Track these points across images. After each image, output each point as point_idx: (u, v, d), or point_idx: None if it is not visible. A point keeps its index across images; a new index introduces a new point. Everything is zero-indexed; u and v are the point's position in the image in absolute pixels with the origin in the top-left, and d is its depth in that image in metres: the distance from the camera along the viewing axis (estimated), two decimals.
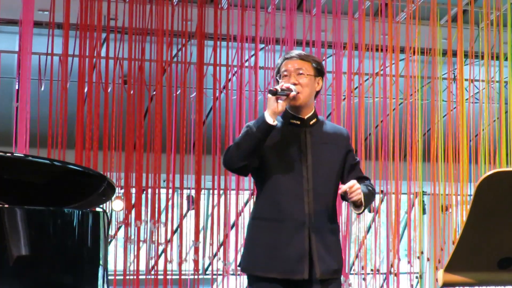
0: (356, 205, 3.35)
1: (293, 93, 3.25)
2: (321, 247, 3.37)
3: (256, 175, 3.44)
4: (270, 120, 3.20)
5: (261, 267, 3.37)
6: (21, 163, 3.29)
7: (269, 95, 3.24)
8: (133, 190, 8.47)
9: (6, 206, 2.79)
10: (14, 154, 3.46)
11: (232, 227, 9.40)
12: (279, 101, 3.23)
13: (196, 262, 9.41)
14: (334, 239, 3.48)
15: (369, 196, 3.44)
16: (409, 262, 9.96)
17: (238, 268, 3.64)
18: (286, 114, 3.51)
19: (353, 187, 3.28)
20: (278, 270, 3.31)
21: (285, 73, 3.44)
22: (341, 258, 3.54)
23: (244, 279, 9.76)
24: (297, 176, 3.40)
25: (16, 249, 2.77)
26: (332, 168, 3.48)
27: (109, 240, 4.05)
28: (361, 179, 3.52)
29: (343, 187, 3.31)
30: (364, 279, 10.02)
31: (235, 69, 9.14)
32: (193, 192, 9.28)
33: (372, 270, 10.31)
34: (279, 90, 3.21)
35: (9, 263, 2.75)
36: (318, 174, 3.44)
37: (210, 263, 9.64)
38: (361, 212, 3.47)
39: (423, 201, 9.83)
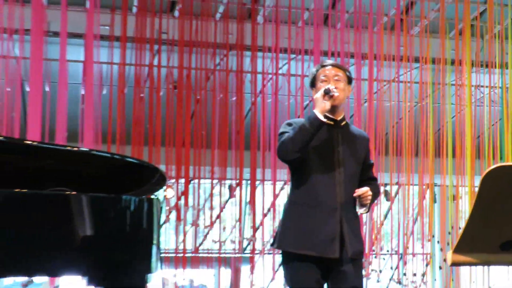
0: (362, 205, 3.39)
1: (336, 94, 3.27)
2: (350, 231, 3.38)
3: (295, 166, 3.44)
4: (321, 117, 3.22)
5: (298, 245, 3.34)
6: (87, 156, 3.29)
7: (318, 96, 3.26)
8: (182, 180, 8.50)
9: (73, 193, 2.79)
10: (81, 148, 3.45)
11: (266, 214, 9.40)
12: (325, 101, 3.25)
13: (236, 242, 9.45)
14: (358, 224, 3.50)
15: (373, 199, 3.48)
16: (422, 245, 9.93)
17: (272, 246, 3.61)
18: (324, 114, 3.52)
19: (366, 193, 3.34)
20: (315, 249, 3.28)
21: (324, 78, 3.42)
22: (363, 241, 3.55)
23: (276, 258, 9.75)
24: (330, 170, 3.38)
25: (82, 230, 2.76)
26: (357, 165, 3.46)
27: (162, 223, 4.06)
28: (372, 179, 3.58)
29: (358, 191, 3.35)
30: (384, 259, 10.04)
31: (270, 76, 9.14)
32: (233, 182, 9.32)
33: (388, 251, 10.29)
34: (332, 90, 3.24)
35: (76, 242, 2.74)
36: (347, 169, 3.42)
37: (248, 243, 9.65)
38: (363, 213, 3.51)
39: (434, 191, 9.76)
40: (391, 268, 10.22)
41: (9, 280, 7.18)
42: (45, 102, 8.06)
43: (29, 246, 2.69)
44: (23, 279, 8.31)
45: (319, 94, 3.27)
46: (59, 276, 2.86)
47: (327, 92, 3.25)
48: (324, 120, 3.25)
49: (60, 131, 7.88)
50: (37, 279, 8.49)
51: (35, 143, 3.19)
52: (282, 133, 3.44)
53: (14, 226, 2.67)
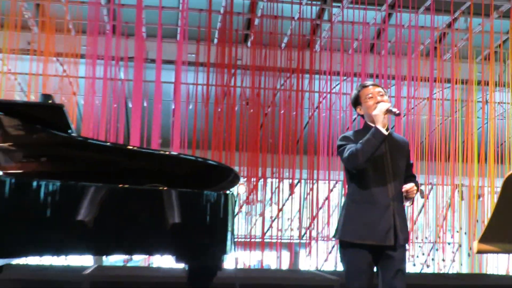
0: (407, 198, 3.36)
1: (398, 112, 3.26)
2: (401, 222, 3.36)
3: (355, 171, 3.39)
4: (385, 131, 3.19)
5: (359, 236, 3.31)
6: (176, 159, 3.35)
7: (378, 113, 3.25)
8: (252, 179, 8.54)
9: (165, 188, 2.85)
10: (171, 153, 3.52)
11: (321, 207, 9.37)
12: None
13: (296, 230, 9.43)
14: (405, 217, 3.48)
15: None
16: (452, 235, 9.77)
17: (334, 237, 3.59)
18: (369, 127, 3.49)
19: (412, 188, 3.30)
20: (374, 238, 3.25)
21: (370, 95, 3.37)
22: (408, 230, 3.54)
23: (328, 244, 9.70)
24: (382, 172, 3.34)
25: (171, 219, 2.79)
26: (402, 166, 3.41)
27: (235, 213, 4.08)
28: (413, 176, 3.51)
29: (406, 187, 3.32)
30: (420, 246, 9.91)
31: (324, 94, 9.12)
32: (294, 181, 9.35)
33: (422, 240, 10.13)
34: (396, 111, 3.24)
35: (166, 228, 2.77)
36: (395, 170, 3.38)
37: (306, 232, 9.63)
38: (408, 206, 3.47)
39: (462, 191, 9.57)
40: (423, 254, 10.10)
41: (114, 258, 7.33)
42: (143, 115, 8.22)
43: (129, 231, 2.75)
44: (125, 257, 8.49)
45: (379, 111, 3.22)
46: (152, 255, 2.91)
47: (393, 112, 3.23)
48: (386, 133, 3.24)
49: (155, 138, 8.04)
50: (135, 257, 8.65)
51: (135, 148, 3.26)
52: (342, 145, 3.43)
53: (118, 214, 2.74)
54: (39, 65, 7.96)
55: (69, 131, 2.91)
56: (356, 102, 3.54)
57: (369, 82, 3.60)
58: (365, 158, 3.23)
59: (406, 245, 3.60)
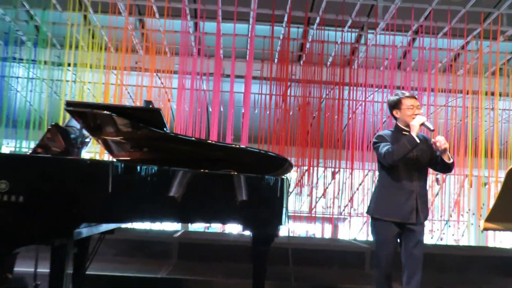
0: (443, 152, 3.21)
1: (433, 128, 3.20)
2: (422, 204, 3.30)
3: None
4: (418, 140, 3.14)
5: (387, 214, 3.30)
6: (244, 151, 3.37)
7: (415, 124, 3.21)
8: (303, 167, 8.57)
9: (235, 173, 2.87)
10: (240, 146, 3.55)
11: (355, 191, 9.29)
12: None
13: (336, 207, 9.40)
14: (426, 199, 3.40)
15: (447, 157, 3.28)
16: (462, 214, 9.50)
17: (367, 213, 3.57)
18: (401, 128, 3.46)
19: (441, 140, 3.18)
20: (399, 217, 3.23)
21: (411, 106, 3.34)
22: (428, 210, 3.46)
23: (362, 219, 9.58)
24: (409, 164, 3.30)
25: (240, 197, 2.78)
26: (426, 157, 3.35)
27: (289, 193, 4.12)
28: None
29: (436, 139, 3.22)
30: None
31: (360, 102, 9.01)
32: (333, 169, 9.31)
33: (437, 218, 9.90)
34: (430, 127, 3.18)
35: (237, 204, 2.76)
36: (420, 163, 3.33)
37: (344, 209, 9.59)
38: (451, 162, 3.30)
39: (471, 180, 9.28)
40: (437, 230, 9.88)
41: (196, 225, 7.48)
42: (220, 117, 8.33)
43: (208, 205, 2.76)
44: (205, 225, 8.65)
45: (416, 123, 3.16)
46: (225, 224, 2.94)
47: (427, 126, 3.16)
48: (418, 142, 3.20)
49: (228, 135, 8.15)
50: (213, 225, 8.79)
51: (213, 142, 3.32)
52: (377, 142, 3.39)
53: (199, 192, 2.74)
54: (143, 79, 8.19)
55: (164, 128, 2.94)
56: (395, 106, 3.44)
57: (410, 93, 3.52)
58: (398, 158, 3.18)
59: (426, 222, 3.54)
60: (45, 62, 8.17)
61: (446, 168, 3.37)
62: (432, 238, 9.51)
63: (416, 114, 3.33)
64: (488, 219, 3.13)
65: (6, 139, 8.55)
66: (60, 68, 8.35)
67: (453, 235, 9.59)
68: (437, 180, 9.55)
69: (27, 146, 8.73)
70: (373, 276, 3.52)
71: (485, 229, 3.19)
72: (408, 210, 3.29)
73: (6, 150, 8.90)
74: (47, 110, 8.18)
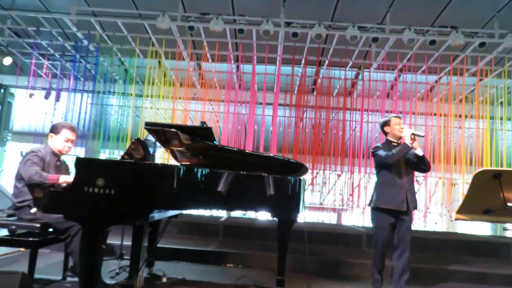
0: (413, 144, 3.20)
1: (422, 134, 3.21)
2: (411, 196, 3.27)
3: (383, 165, 3.31)
4: (410, 146, 3.16)
5: (385, 202, 3.27)
6: (271, 158, 3.37)
7: (406, 135, 3.22)
8: (315, 171, 8.46)
9: (265, 174, 2.86)
10: (269, 154, 3.54)
11: (355, 188, 9.09)
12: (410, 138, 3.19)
13: (340, 200, 9.21)
14: (414, 192, 3.35)
15: (422, 157, 3.25)
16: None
17: (369, 205, 3.52)
18: (390, 141, 3.41)
19: (407, 130, 3.22)
20: (394, 205, 3.22)
21: (398, 122, 3.40)
22: (416, 202, 3.38)
23: (359, 210, 9.36)
24: (399, 166, 3.29)
25: (268, 192, 2.75)
26: (412, 159, 3.31)
27: (305, 190, 4.08)
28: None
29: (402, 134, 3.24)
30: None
31: (359, 122, 8.88)
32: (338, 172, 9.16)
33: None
34: (421, 134, 3.20)
35: (266, 197, 2.75)
36: (407, 163, 3.31)
37: (346, 202, 9.41)
38: (422, 155, 3.26)
39: (444, 181, 8.92)
40: (419, 218, 9.55)
41: (236, 212, 7.47)
42: (254, 133, 8.34)
43: (245, 198, 2.76)
44: (242, 212, 8.64)
45: (407, 134, 3.19)
46: (258, 211, 2.94)
47: (418, 135, 3.18)
48: (411, 147, 3.20)
49: (261, 146, 8.14)
50: (248, 212, 8.76)
51: (249, 151, 3.33)
52: (376, 150, 3.37)
53: (239, 188, 2.73)
54: (199, 106, 8.32)
55: (214, 141, 2.99)
56: (386, 124, 3.46)
57: (395, 115, 3.51)
58: (396, 159, 3.21)
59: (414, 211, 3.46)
60: (131, 94, 8.40)
61: (422, 163, 3.29)
62: (413, 225, 9.19)
63: (402, 128, 3.33)
64: (458, 211, 3.05)
65: (103, 148, 8.81)
66: (141, 99, 8.57)
67: (436, 224, 9.27)
68: (417, 181, 9.26)
69: (117, 154, 8.95)
70: (370, 253, 3.44)
71: (456, 219, 3.09)
72: (400, 200, 3.25)
73: (102, 156, 9.15)
74: (131, 128, 8.39)
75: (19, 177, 2.98)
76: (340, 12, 6.78)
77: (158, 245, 3.75)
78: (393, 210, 3.29)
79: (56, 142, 3.16)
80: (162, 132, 2.96)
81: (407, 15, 6.69)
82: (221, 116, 8.68)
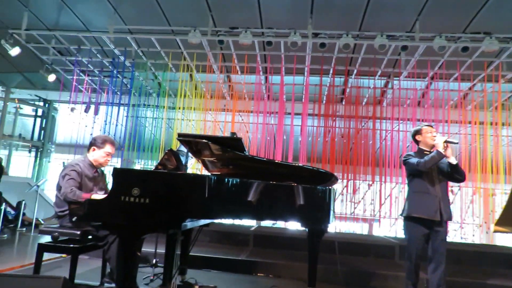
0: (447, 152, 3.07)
1: (456, 141, 3.08)
2: (444, 205, 3.14)
3: (416, 172, 3.22)
4: (444, 153, 3.04)
5: (417, 211, 3.14)
6: (301, 168, 3.34)
7: (438, 143, 3.08)
8: (345, 181, 8.31)
9: (295, 184, 2.84)
10: (298, 164, 3.51)
11: (386, 198, 8.83)
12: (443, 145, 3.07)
13: (370, 210, 8.96)
14: (448, 202, 3.21)
15: (456, 165, 3.10)
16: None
17: (401, 215, 3.42)
18: (423, 150, 3.31)
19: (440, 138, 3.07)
20: (426, 214, 3.10)
21: (429, 131, 3.28)
22: (451, 212, 3.24)
23: (391, 221, 9.07)
24: (433, 174, 3.18)
25: (298, 201, 2.72)
26: (445, 168, 3.19)
27: (335, 199, 3.97)
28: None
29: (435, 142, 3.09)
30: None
31: (389, 131, 8.68)
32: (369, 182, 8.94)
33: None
34: (454, 141, 3.08)
35: (296, 206, 2.73)
36: (440, 172, 3.19)
37: (377, 212, 9.15)
38: (456, 164, 3.11)
39: (481, 191, 8.51)
40: (455, 230, 9.15)
41: (265, 222, 7.44)
42: (283, 143, 8.33)
43: (275, 207, 2.72)
44: (272, 222, 8.59)
45: (440, 142, 3.07)
46: (287, 221, 2.91)
47: (451, 142, 3.07)
48: (445, 154, 3.08)
49: (290, 156, 8.10)
50: (278, 222, 8.70)
51: (279, 161, 3.31)
52: (407, 158, 3.26)
53: (269, 198, 2.70)
54: (229, 117, 8.42)
55: (244, 152, 3.00)
56: (417, 133, 3.36)
57: (426, 123, 3.42)
58: (428, 166, 3.09)
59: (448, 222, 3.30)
60: (164, 107, 8.63)
61: (456, 172, 3.16)
62: (448, 237, 8.80)
63: (434, 136, 3.23)
64: (497, 223, 2.91)
65: (138, 159, 9.07)
66: (173, 111, 8.78)
67: (473, 235, 8.83)
68: (451, 191, 8.89)
69: (151, 164, 9.18)
70: (404, 266, 3.31)
71: (495, 231, 2.96)
72: (433, 210, 3.12)
73: (137, 166, 9.42)
74: (164, 139, 8.60)
75: (59, 188, 3.12)
76: (368, 22, 6.70)
77: (190, 254, 3.78)
78: (426, 220, 3.15)
79: (98, 156, 3.29)
80: (194, 143, 3.01)
81: (437, 22, 6.52)
82: (250, 127, 8.73)
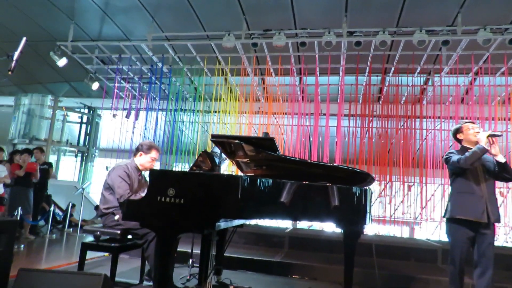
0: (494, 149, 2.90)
1: (500, 133, 2.90)
2: (492, 207, 2.93)
3: (459, 171, 3.03)
4: (487, 148, 2.87)
5: (462, 213, 2.95)
6: (336, 168, 3.27)
7: (481, 138, 2.89)
8: (383, 182, 8.05)
9: (330, 184, 2.80)
10: (334, 164, 3.43)
11: (428, 200, 8.43)
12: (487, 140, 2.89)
13: (412, 212, 8.61)
14: (495, 203, 2.99)
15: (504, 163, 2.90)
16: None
17: (444, 216, 3.25)
18: (466, 147, 3.13)
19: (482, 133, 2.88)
20: (473, 216, 2.90)
21: (471, 127, 3.07)
22: (499, 213, 3.03)
23: (433, 224, 8.66)
24: (476, 171, 2.98)
25: (333, 202, 2.69)
26: (491, 166, 2.99)
27: (372, 201, 3.84)
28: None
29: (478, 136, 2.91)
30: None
31: (430, 131, 8.30)
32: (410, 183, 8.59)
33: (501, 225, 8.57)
34: (498, 134, 2.90)
35: (331, 207, 2.69)
36: (485, 170, 2.99)
37: (418, 215, 8.76)
38: (504, 162, 2.91)
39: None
40: (504, 234, 8.56)
41: (301, 223, 7.35)
42: (319, 144, 8.20)
43: (310, 208, 2.67)
44: (308, 223, 8.46)
45: (483, 137, 2.88)
46: (323, 222, 2.84)
47: (495, 135, 2.88)
48: (488, 149, 2.91)
49: (325, 156, 7.96)
50: (314, 223, 8.56)
51: (314, 161, 3.27)
52: (449, 156, 3.09)
53: (303, 198, 2.66)
54: (263, 119, 8.42)
55: (277, 152, 2.98)
56: (458, 130, 3.18)
57: (467, 120, 3.23)
58: (471, 162, 2.89)
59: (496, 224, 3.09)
60: (199, 111, 8.80)
61: (505, 170, 2.94)
62: (497, 240, 8.27)
63: (476, 132, 3.04)
64: None
65: (175, 162, 9.30)
66: (209, 114, 8.93)
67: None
68: (500, 192, 8.34)
69: (188, 167, 9.36)
70: (448, 270, 3.13)
71: None
72: (479, 211, 2.92)
73: (175, 168, 9.65)
74: (201, 142, 8.75)
75: (106, 186, 3.26)
76: (406, 17, 6.46)
77: (226, 254, 3.80)
78: (471, 221, 2.95)
79: (145, 161, 3.45)
80: (227, 144, 3.02)
81: (481, 14, 6.16)
82: (285, 129, 8.68)
